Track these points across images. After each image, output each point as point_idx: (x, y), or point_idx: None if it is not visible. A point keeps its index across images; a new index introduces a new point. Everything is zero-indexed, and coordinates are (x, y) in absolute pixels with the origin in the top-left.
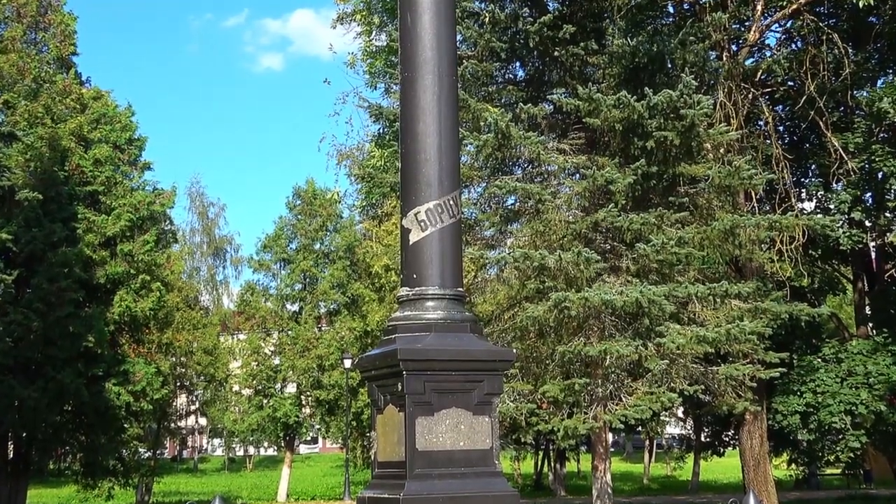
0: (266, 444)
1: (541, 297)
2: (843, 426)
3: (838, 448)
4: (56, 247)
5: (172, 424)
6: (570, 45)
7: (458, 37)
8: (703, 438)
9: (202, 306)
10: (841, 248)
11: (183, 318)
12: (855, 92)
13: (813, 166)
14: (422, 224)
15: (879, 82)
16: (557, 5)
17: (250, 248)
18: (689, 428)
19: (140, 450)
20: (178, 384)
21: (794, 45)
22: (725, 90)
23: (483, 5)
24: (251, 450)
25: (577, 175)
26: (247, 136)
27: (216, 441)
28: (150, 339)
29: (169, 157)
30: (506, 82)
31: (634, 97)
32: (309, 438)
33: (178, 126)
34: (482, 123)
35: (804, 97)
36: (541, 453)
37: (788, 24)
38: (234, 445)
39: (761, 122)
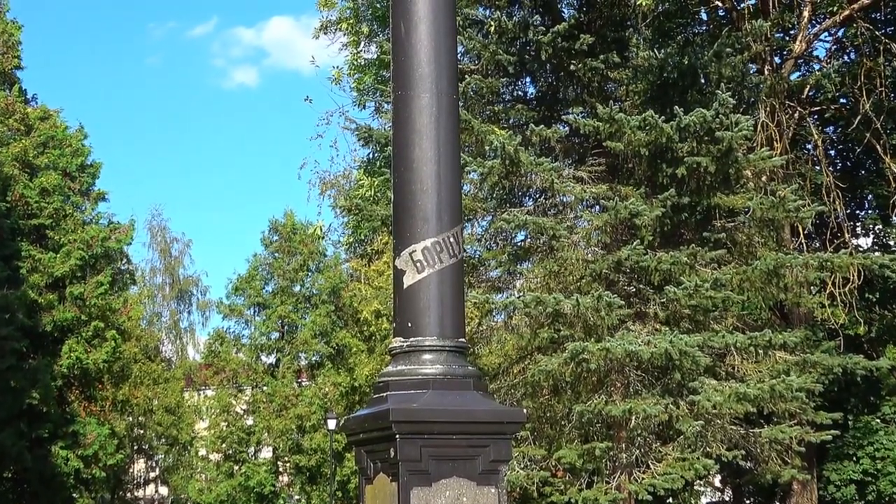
0: None
1: (555, 347)
2: None
3: None
4: None
5: (129, 494)
6: (589, 58)
7: (460, 49)
8: None
9: (164, 357)
10: None
11: (141, 372)
12: None
13: (869, 196)
14: (418, 264)
15: None
16: (574, 12)
17: (220, 290)
18: (727, 499)
19: None
20: (136, 448)
21: (846, 57)
22: (768, 109)
23: (488, 13)
24: None
25: (597, 207)
26: (217, 161)
27: None
28: (104, 395)
29: (127, 185)
30: (514, 100)
31: (662, 117)
32: None
33: (138, 150)
34: (487, 148)
35: (858, 117)
36: None
37: (840, 34)
38: None
39: (809, 146)
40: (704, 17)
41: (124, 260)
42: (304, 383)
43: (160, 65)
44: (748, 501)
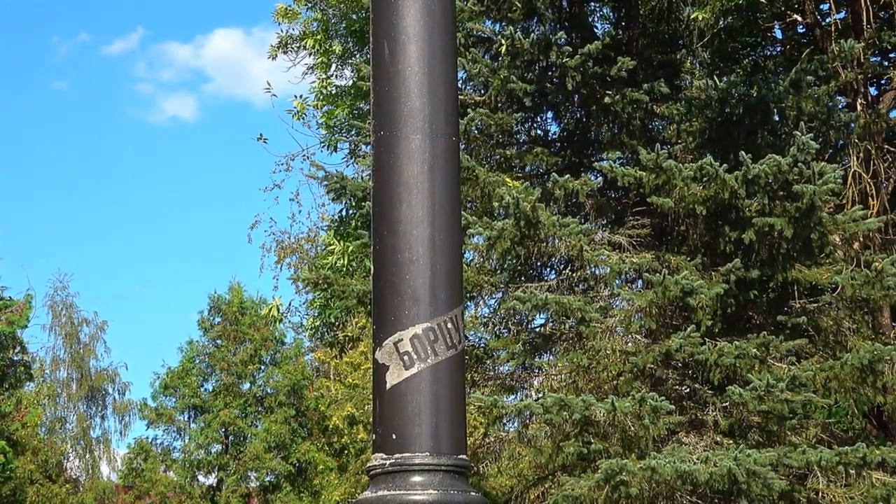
0: None
1: (585, 466)
2: None
3: None
4: None
5: None
6: (629, 88)
7: (461, 74)
8: None
9: (69, 477)
10: None
11: (39, 496)
12: None
13: None
14: (405, 358)
15: None
16: (609, 28)
17: (143, 388)
18: None
19: None
20: None
21: None
22: (861, 155)
23: (498, 28)
24: None
25: (640, 282)
26: (141, 219)
27: None
28: None
29: (22, 251)
30: (532, 142)
31: (724, 166)
32: None
33: (38, 205)
34: (497, 204)
35: None
36: None
37: None
38: None
39: None
40: (779, 35)
41: (17, 348)
42: None
43: (68, 91)
44: None
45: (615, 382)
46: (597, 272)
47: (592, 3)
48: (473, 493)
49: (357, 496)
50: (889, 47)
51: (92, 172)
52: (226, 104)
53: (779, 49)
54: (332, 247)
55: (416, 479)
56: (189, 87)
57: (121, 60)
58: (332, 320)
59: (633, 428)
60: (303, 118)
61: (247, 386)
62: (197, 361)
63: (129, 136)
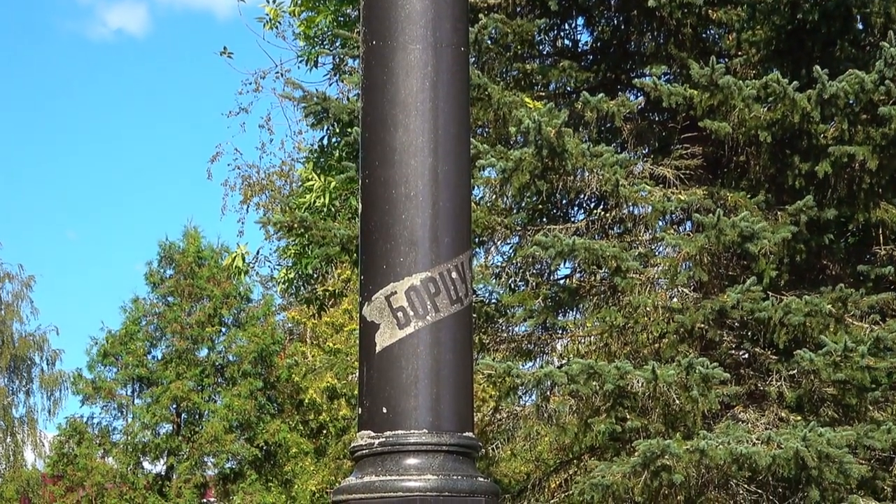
0: None
1: (618, 447)
2: None
3: None
4: None
5: None
6: None
7: None
8: None
9: None
10: None
11: None
12: None
13: None
14: (399, 315)
15: None
16: None
17: (78, 357)
18: None
19: None
20: None
21: None
22: None
23: None
24: None
25: (688, 225)
26: (80, 151)
27: None
28: None
29: None
30: (558, 54)
31: (795, 83)
32: None
33: None
34: (513, 129)
35: None
36: None
37: None
38: None
39: None
40: None
41: None
42: None
43: None
44: None
45: (656, 346)
46: (635, 212)
47: None
48: (481, 479)
49: (339, 484)
50: None
51: (16, 97)
52: (182, 14)
53: None
54: (311, 182)
55: (411, 461)
56: None
57: None
58: (310, 272)
59: (677, 401)
60: (276, 27)
61: (204, 353)
62: (143, 323)
63: (63, 53)
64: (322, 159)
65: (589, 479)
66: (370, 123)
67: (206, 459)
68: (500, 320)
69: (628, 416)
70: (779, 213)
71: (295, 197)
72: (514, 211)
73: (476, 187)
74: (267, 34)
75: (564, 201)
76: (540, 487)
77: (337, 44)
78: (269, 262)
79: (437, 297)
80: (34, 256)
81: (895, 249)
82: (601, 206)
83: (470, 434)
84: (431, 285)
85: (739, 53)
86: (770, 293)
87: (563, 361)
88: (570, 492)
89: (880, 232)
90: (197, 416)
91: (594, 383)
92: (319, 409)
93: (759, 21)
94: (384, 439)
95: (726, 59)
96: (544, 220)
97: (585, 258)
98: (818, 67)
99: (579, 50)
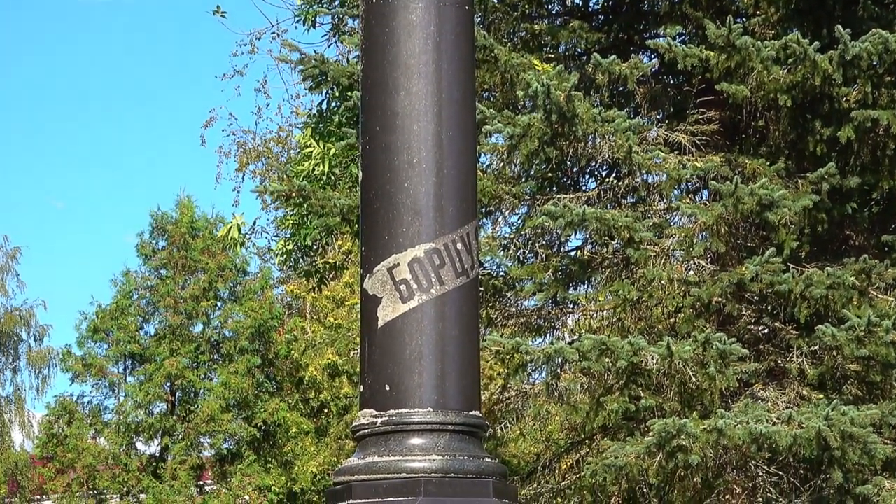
0: None
1: (632, 427)
2: None
3: None
4: None
5: None
6: None
7: None
8: None
9: None
10: None
11: None
12: None
13: None
14: (402, 288)
15: None
16: None
17: (67, 332)
18: None
19: None
20: None
21: None
22: None
23: None
24: None
25: (705, 193)
26: (65, 118)
27: None
28: None
29: None
30: (567, 14)
31: (816, 44)
32: None
33: None
34: (521, 93)
35: None
36: None
37: None
38: None
39: None
40: None
41: None
42: (208, 487)
43: None
44: None
45: (672, 321)
46: (649, 180)
47: None
48: (489, 460)
49: (340, 465)
50: None
51: (8, 60)
52: None
53: None
54: (310, 149)
55: (416, 441)
56: None
57: None
58: (309, 243)
59: (694, 379)
60: None
61: (199, 328)
62: (135, 297)
63: (50, 14)
64: (321, 125)
65: (601, 460)
66: (371, 87)
67: (202, 440)
68: (508, 294)
69: (642, 395)
70: (799, 180)
71: (293, 164)
72: (523, 179)
73: (482, 154)
74: None
75: (575, 169)
76: (550, 469)
77: (336, 2)
78: (267, 233)
79: (442, 269)
80: (20, 227)
81: None
82: (613, 174)
83: (477, 413)
84: (436, 257)
85: (758, 13)
86: (790, 265)
87: (575, 337)
88: (582, 473)
89: None
90: (192, 395)
91: (607, 360)
92: (320, 387)
93: None
94: (387, 418)
95: (744, 19)
96: (554, 188)
97: (597, 229)
98: (840, 27)
99: (590, 9)
